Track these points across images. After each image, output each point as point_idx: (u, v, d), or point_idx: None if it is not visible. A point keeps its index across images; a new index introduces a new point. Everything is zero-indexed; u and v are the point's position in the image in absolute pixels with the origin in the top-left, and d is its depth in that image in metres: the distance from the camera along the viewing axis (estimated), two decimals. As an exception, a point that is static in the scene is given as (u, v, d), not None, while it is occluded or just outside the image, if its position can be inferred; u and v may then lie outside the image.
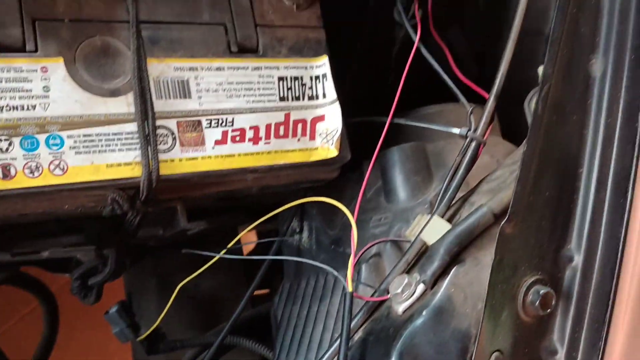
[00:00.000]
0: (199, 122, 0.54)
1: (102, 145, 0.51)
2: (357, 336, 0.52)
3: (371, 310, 0.52)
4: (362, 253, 0.58)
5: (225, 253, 0.66)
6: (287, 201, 0.74)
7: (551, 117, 0.50)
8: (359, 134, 0.68)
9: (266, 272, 0.84)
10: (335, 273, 0.52)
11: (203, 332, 0.89)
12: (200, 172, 0.54)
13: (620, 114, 0.51)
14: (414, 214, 0.62)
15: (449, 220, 0.55)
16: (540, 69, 0.71)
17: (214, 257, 0.65)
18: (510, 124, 0.76)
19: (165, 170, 0.52)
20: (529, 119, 0.68)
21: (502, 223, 0.46)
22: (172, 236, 0.67)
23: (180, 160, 0.53)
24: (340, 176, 0.67)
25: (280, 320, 0.72)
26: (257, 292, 0.84)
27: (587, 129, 0.51)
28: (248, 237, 0.94)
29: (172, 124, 0.53)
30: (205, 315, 0.95)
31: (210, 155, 0.54)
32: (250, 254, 0.91)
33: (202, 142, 0.54)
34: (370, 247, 0.59)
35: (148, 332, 0.78)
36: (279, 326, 0.72)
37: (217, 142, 0.55)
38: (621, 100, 0.51)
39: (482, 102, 0.61)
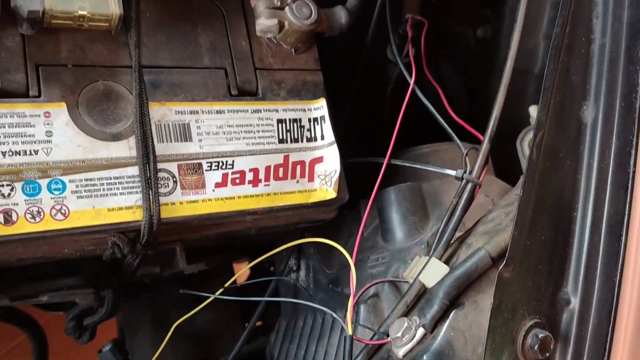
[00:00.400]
0: (200, 165, 0.54)
1: (103, 189, 0.51)
2: (358, 379, 0.52)
3: (371, 353, 0.52)
4: (361, 294, 0.59)
5: (221, 292, 0.66)
6: (284, 238, 0.75)
7: (545, 162, 0.52)
8: (355, 173, 0.69)
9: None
10: (335, 315, 0.53)
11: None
12: (201, 214, 0.54)
13: (612, 159, 0.52)
14: (411, 254, 0.63)
15: (447, 262, 0.56)
16: (532, 109, 0.73)
17: (210, 296, 0.65)
18: (501, 159, 0.78)
19: (166, 213, 0.53)
20: (521, 157, 0.70)
21: (500, 267, 0.47)
22: (170, 275, 0.67)
23: (181, 203, 0.54)
24: (338, 215, 0.67)
25: (277, 359, 0.71)
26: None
27: (580, 174, 0.53)
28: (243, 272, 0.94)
29: (173, 167, 0.54)
30: (200, 351, 0.94)
31: (210, 198, 0.55)
32: (245, 286, 0.90)
33: (203, 185, 0.55)
34: (369, 287, 0.59)
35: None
36: (275, 365, 0.71)
37: (217, 185, 0.55)
38: (613, 145, 0.52)
39: (475, 138, 0.62)
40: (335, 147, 0.62)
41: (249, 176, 0.57)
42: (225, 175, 0.56)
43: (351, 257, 0.56)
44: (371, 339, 0.53)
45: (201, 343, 0.97)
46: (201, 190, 0.54)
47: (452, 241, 0.58)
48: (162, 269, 0.65)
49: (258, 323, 0.95)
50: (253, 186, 0.57)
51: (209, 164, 0.55)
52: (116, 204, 0.51)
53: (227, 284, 0.67)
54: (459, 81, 1.02)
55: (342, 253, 0.57)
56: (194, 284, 0.69)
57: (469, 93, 1.02)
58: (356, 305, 0.60)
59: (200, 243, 0.61)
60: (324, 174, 0.61)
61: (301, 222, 0.63)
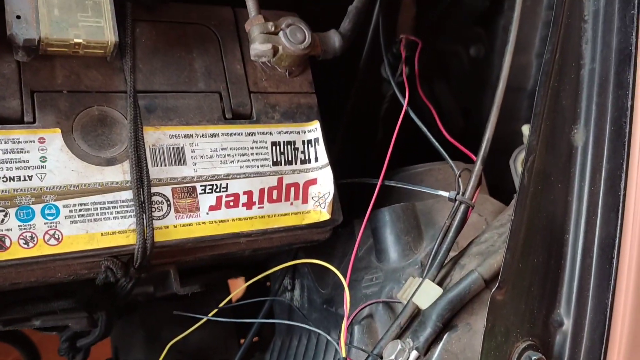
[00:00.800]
0: (194, 188, 0.55)
1: (97, 214, 0.51)
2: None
3: (365, 377, 0.52)
4: (355, 315, 0.59)
5: (215, 311, 0.66)
6: (278, 257, 0.75)
7: (537, 186, 0.52)
8: (349, 192, 0.70)
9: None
10: (328, 337, 0.53)
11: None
12: (195, 237, 0.54)
13: (602, 182, 0.53)
14: (405, 274, 0.63)
15: (440, 283, 0.56)
16: (525, 128, 0.73)
17: (204, 317, 0.65)
18: (495, 174, 0.78)
19: (160, 237, 0.53)
20: (514, 176, 0.71)
21: (493, 290, 0.47)
22: (163, 295, 0.67)
23: (175, 226, 0.54)
24: (332, 235, 0.68)
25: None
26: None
27: (571, 197, 0.53)
28: (237, 286, 0.93)
29: (167, 190, 0.54)
30: (195, 369, 0.93)
31: (204, 221, 0.55)
32: (239, 300, 0.90)
33: (197, 208, 0.55)
34: (363, 308, 0.60)
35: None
36: (270, 386, 0.71)
37: (211, 208, 0.56)
38: (603, 169, 0.53)
39: (467, 157, 0.63)
40: (329, 169, 0.62)
41: (243, 199, 0.57)
42: (219, 198, 0.56)
43: (345, 277, 0.56)
44: (366, 361, 0.53)
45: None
46: (195, 214, 0.55)
47: (445, 262, 0.58)
48: (155, 289, 0.65)
49: (255, 338, 0.95)
50: (247, 209, 0.57)
51: (203, 187, 0.55)
52: (110, 229, 0.51)
53: (221, 305, 0.67)
54: (452, 100, 1.03)
55: (336, 273, 0.58)
56: (189, 301, 0.69)
57: (463, 111, 1.03)
58: (350, 326, 0.60)
59: (194, 264, 0.62)
60: (318, 196, 0.61)
61: (295, 243, 0.63)
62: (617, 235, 0.50)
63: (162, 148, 0.55)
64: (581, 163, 0.54)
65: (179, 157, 0.55)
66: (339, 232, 0.69)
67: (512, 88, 0.65)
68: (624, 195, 0.51)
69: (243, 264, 0.76)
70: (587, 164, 0.53)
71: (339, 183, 0.67)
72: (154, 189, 0.53)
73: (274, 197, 0.59)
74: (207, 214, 0.55)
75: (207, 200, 0.56)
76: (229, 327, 0.97)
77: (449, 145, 0.70)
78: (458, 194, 0.61)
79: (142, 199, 0.52)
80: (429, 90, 0.96)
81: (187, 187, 0.54)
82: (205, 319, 0.66)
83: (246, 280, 0.65)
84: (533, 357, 0.47)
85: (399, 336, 0.53)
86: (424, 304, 0.53)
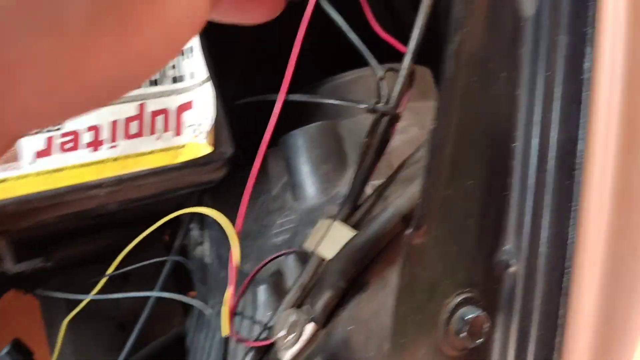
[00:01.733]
0: None
1: None
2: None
3: (258, 357, 0.40)
4: (255, 273, 0.46)
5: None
6: (184, 205, 0.61)
7: (469, 77, 0.37)
8: (256, 118, 0.55)
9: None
10: (208, 311, 0.40)
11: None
12: (15, 198, 0.40)
13: (561, 64, 0.37)
14: (324, 215, 0.49)
15: (357, 224, 0.42)
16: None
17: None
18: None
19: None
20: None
21: (407, 232, 0.34)
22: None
23: (-17, 184, 0.40)
24: (239, 171, 0.53)
25: (189, 350, 0.60)
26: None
27: (519, 89, 0.38)
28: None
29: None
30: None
31: (27, 173, 0.41)
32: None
33: (14, 157, 0.40)
34: (266, 264, 0.46)
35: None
36: (188, 356, 0.60)
37: (39, 154, 0.41)
38: (562, 44, 0.37)
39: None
40: (209, 86, 0.47)
41: (86, 137, 0.43)
42: (49, 140, 0.42)
43: (241, 224, 0.43)
44: (257, 338, 0.40)
45: (132, 327, 0.86)
46: (12, 164, 0.40)
47: (366, 194, 0.44)
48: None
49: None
50: (93, 150, 0.43)
51: (13, 128, 0.40)
52: None
53: (109, 270, 0.54)
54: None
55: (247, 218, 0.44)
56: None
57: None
58: (254, 287, 0.47)
59: (44, 231, 0.48)
60: (196, 124, 0.46)
61: (177, 188, 0.49)
62: (579, 137, 0.35)
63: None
64: (533, 40, 0.38)
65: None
66: (246, 170, 0.55)
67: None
68: (589, 79, 0.36)
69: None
70: (541, 41, 0.38)
71: (235, 105, 0.52)
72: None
73: (133, 130, 0.45)
74: (32, 163, 0.41)
75: (30, 144, 0.41)
76: (169, 289, 0.86)
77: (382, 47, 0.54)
78: (379, 102, 0.46)
79: None
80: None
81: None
82: (86, 298, 0.53)
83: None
84: (467, 317, 0.34)
85: (301, 302, 0.40)
86: (329, 254, 0.39)
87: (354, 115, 0.57)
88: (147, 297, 0.70)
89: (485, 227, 0.37)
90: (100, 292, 0.62)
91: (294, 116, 0.56)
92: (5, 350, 0.67)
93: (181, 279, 0.79)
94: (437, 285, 0.35)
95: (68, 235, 0.53)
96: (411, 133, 0.55)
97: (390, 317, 0.34)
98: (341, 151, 0.53)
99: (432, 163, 0.35)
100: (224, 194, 0.57)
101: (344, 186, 0.51)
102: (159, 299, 0.63)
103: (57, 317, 0.80)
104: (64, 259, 0.53)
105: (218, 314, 0.51)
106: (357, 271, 0.37)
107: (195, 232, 0.61)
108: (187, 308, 0.78)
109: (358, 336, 0.35)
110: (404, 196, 0.39)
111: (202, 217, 0.60)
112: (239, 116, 0.55)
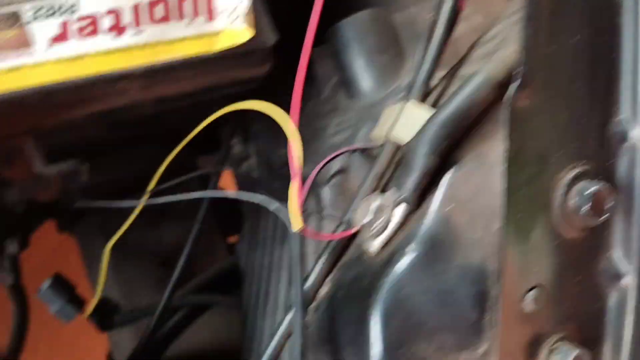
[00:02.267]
0: (16, 15, 0.35)
1: None
2: (324, 291, 0.37)
3: (337, 254, 0.36)
4: (317, 173, 0.41)
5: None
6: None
7: None
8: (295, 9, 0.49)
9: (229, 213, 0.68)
10: (274, 206, 0.36)
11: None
12: (34, 88, 0.36)
13: None
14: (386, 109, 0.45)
15: (433, 105, 0.38)
16: None
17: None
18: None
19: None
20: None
21: (512, 93, 0.29)
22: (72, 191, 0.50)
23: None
24: (278, 70, 0.48)
25: (245, 273, 0.56)
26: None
27: None
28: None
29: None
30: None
31: (44, 60, 0.36)
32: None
33: (27, 43, 0.36)
34: (327, 162, 0.42)
35: (94, 304, 0.63)
36: (244, 280, 0.56)
37: (55, 40, 0.37)
38: None
39: None
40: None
41: (106, 22, 0.38)
42: (64, 25, 0.37)
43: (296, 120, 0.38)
44: (333, 232, 0.36)
45: (174, 263, 0.83)
46: (25, 51, 0.36)
47: (437, 75, 0.39)
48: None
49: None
50: (116, 36, 0.38)
51: (34, 11, 0.35)
52: None
53: (149, 187, 0.50)
54: None
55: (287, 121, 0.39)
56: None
57: None
58: (316, 190, 0.43)
59: (76, 136, 0.43)
60: (230, 8, 0.41)
61: (219, 87, 0.44)
62: None
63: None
64: None
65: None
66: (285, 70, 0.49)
67: None
68: None
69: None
70: None
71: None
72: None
73: (159, 15, 0.39)
74: (48, 49, 0.36)
75: (43, 29, 0.36)
76: (210, 224, 0.83)
77: None
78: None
79: None
80: None
81: (3, 13, 0.35)
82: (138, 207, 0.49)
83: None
84: (589, 190, 0.30)
85: (381, 190, 0.36)
86: (406, 137, 0.35)
87: (405, 7, 0.51)
88: (189, 232, 0.66)
89: (595, 92, 0.32)
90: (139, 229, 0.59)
91: (339, 8, 0.50)
92: (46, 284, 0.65)
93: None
94: (548, 156, 0.30)
95: (103, 146, 0.49)
96: (475, 21, 0.49)
97: (494, 197, 0.30)
98: (397, 41, 0.48)
99: (532, 11, 0.30)
100: (267, 99, 0.52)
101: (404, 79, 0.46)
102: (201, 233, 0.60)
103: (97, 252, 0.77)
104: (99, 173, 0.49)
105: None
106: (447, 147, 0.32)
107: (238, 148, 0.56)
108: (229, 247, 0.75)
109: (459, 217, 0.31)
110: (494, 62, 0.34)
111: (245, 130, 0.56)
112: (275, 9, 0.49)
